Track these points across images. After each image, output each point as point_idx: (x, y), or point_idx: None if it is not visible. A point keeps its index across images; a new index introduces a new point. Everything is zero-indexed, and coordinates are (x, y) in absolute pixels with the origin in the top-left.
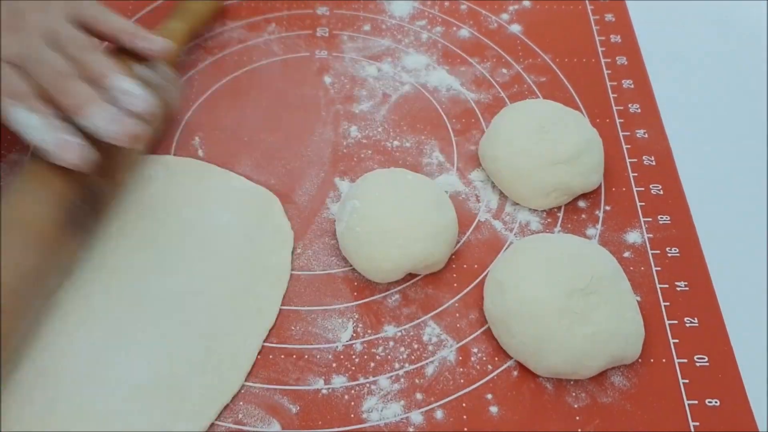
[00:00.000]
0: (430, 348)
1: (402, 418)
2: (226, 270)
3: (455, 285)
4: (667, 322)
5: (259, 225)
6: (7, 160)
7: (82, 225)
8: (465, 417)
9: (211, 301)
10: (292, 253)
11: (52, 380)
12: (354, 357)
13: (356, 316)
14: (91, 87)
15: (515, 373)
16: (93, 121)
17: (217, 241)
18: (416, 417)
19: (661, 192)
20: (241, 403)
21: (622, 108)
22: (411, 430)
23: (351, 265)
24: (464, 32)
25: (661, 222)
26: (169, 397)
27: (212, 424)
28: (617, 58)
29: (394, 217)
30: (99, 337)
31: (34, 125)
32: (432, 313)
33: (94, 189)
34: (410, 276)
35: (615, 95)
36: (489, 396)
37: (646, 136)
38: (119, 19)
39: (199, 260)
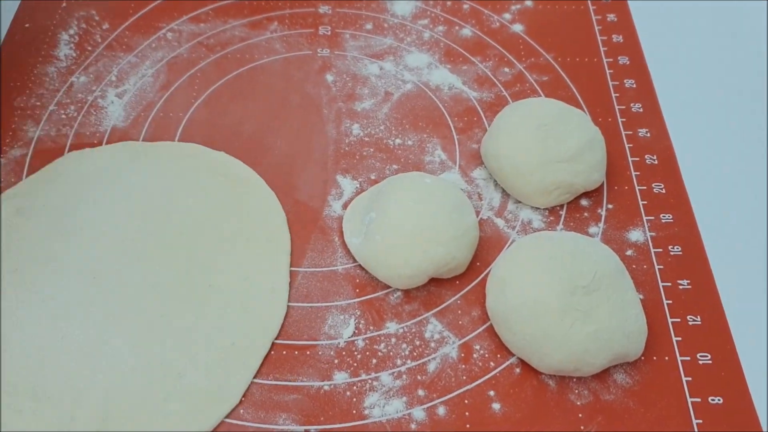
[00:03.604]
0: (432, 345)
1: (404, 415)
2: (231, 267)
3: (457, 282)
4: (669, 320)
5: (259, 226)
6: (7, 156)
7: None
8: (467, 413)
9: (219, 301)
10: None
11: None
12: (356, 353)
13: (358, 313)
14: None
15: (518, 370)
16: None
17: (217, 234)
18: (418, 413)
19: (664, 190)
20: (243, 399)
21: (624, 107)
22: (413, 426)
23: (353, 262)
24: (466, 31)
25: (663, 220)
26: (176, 398)
27: None
28: (619, 57)
29: (415, 223)
30: (106, 327)
31: None
32: (434, 311)
33: None
34: None
35: (617, 94)
36: (491, 393)
37: (648, 135)
38: None
39: (204, 254)
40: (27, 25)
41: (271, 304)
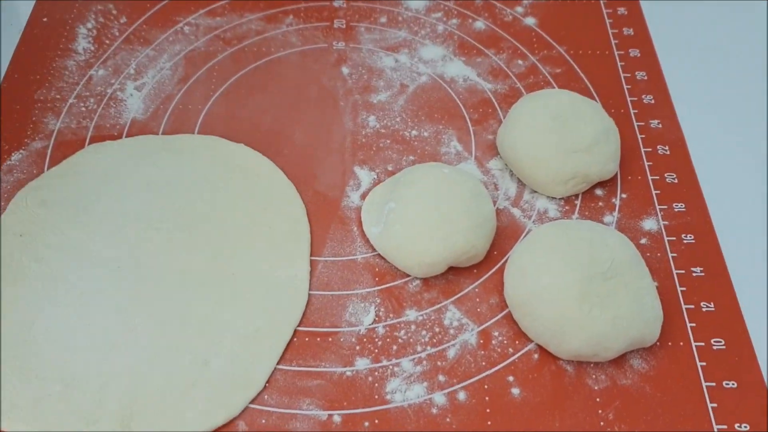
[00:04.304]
0: (452, 332)
1: (425, 399)
2: (252, 257)
3: (475, 271)
4: (683, 307)
5: (276, 213)
6: (29, 148)
7: None
8: (487, 398)
9: (242, 290)
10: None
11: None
12: (377, 340)
13: (378, 301)
14: None
15: (536, 356)
16: None
17: (238, 224)
18: (439, 398)
19: (676, 180)
20: (267, 385)
21: (635, 99)
22: (434, 410)
23: (372, 252)
24: (479, 24)
25: (676, 209)
26: (202, 385)
27: None
28: (630, 50)
29: (434, 212)
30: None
31: None
32: (452, 298)
33: None
34: None
35: (629, 86)
36: (510, 378)
37: (660, 126)
38: None
39: (225, 244)
40: (45, 20)
41: (293, 292)
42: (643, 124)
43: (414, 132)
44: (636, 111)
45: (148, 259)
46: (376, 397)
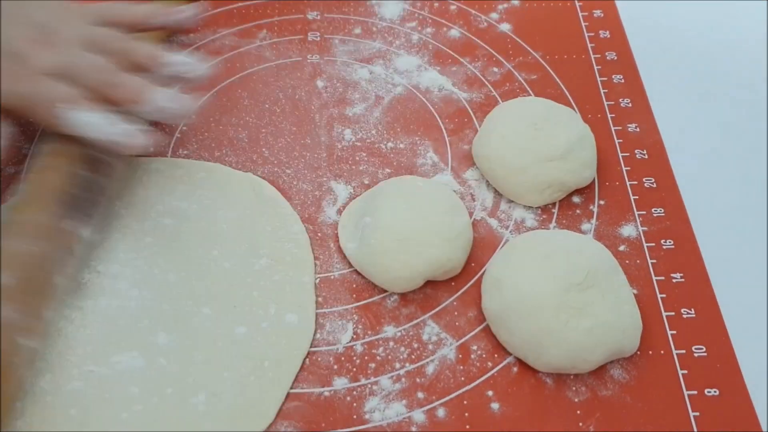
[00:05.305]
0: (430, 347)
1: (404, 418)
2: (256, 285)
3: (453, 284)
4: (664, 314)
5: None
6: (4, 173)
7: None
8: (467, 414)
9: (247, 320)
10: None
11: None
12: (355, 358)
13: (356, 318)
14: (138, 74)
15: (515, 369)
16: (155, 105)
17: (239, 251)
18: (418, 416)
19: (655, 185)
20: None
21: (613, 103)
22: (414, 429)
23: (349, 268)
24: (454, 32)
25: (655, 215)
26: (211, 417)
27: None
28: (607, 53)
29: (409, 226)
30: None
31: (96, 122)
32: (431, 313)
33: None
34: None
35: (606, 90)
36: (490, 393)
37: (638, 129)
38: (141, 5)
39: (230, 275)
40: None
41: (299, 320)
42: (620, 128)
43: (390, 144)
44: (613, 115)
45: (148, 291)
46: (355, 417)
